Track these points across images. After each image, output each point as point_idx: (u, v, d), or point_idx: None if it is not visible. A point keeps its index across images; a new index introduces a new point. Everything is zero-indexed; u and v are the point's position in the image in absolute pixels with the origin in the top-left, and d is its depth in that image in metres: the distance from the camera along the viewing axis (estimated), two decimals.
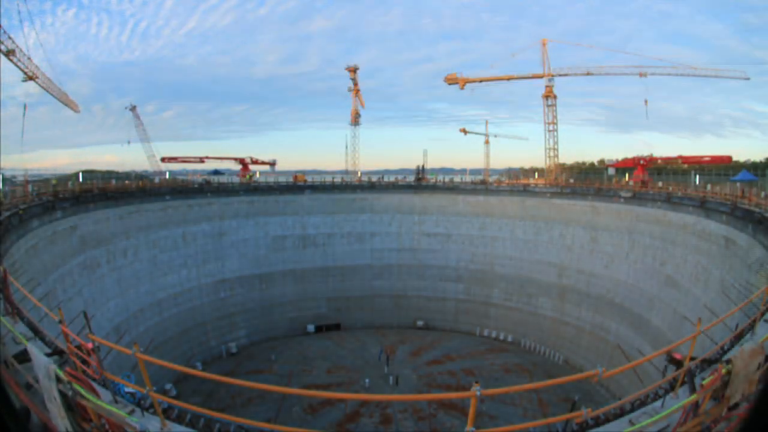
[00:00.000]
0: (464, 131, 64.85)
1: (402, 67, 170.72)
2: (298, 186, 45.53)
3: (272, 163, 55.97)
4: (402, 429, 23.93)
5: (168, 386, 29.05)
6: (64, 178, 37.76)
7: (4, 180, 31.97)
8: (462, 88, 52.94)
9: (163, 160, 53.84)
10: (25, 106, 32.68)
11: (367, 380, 29.72)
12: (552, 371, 33.14)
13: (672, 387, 6.03)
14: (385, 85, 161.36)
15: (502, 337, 40.00)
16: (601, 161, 63.31)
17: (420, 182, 49.47)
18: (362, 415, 25.09)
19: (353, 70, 57.08)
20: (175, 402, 5.24)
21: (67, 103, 41.25)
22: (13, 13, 30.90)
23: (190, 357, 33.63)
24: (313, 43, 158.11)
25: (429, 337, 39.48)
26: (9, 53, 28.96)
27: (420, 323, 42.63)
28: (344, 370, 32.05)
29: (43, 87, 35.40)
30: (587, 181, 44.88)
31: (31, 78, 30.56)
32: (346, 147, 60.59)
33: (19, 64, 30.01)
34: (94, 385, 5.04)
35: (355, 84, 57.20)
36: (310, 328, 41.27)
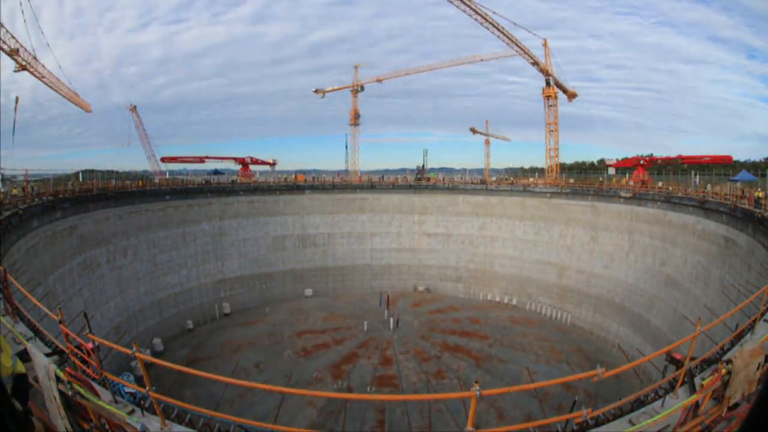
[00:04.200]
0: (474, 131, 64.96)
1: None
2: (298, 186, 45.52)
3: (272, 163, 56.03)
4: (403, 371, 22.53)
5: (156, 340, 29.47)
6: (64, 178, 37.76)
7: (3, 180, 31.95)
8: None
9: (163, 159, 53.98)
10: (16, 99, 32.48)
11: (365, 323, 28.42)
12: (560, 326, 33.29)
13: (672, 387, 6.03)
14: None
15: (506, 300, 39.91)
16: (601, 161, 63.36)
17: (420, 182, 49.46)
18: (360, 357, 23.71)
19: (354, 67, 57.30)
20: (174, 402, 5.24)
21: (78, 103, 41.16)
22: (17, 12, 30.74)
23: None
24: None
25: (431, 295, 39.33)
26: (12, 53, 28.84)
27: (421, 288, 42.20)
28: (342, 318, 30.61)
29: (52, 87, 35.35)
30: (587, 181, 44.88)
31: (24, 68, 30.24)
32: (346, 147, 60.70)
33: (21, 62, 29.88)
34: (94, 385, 5.03)
35: (355, 83, 57.26)
36: (308, 291, 41.03)
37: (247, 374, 21.96)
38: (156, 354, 28.13)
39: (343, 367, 22.89)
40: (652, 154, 54.62)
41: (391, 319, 28.87)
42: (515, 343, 26.01)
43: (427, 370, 22.56)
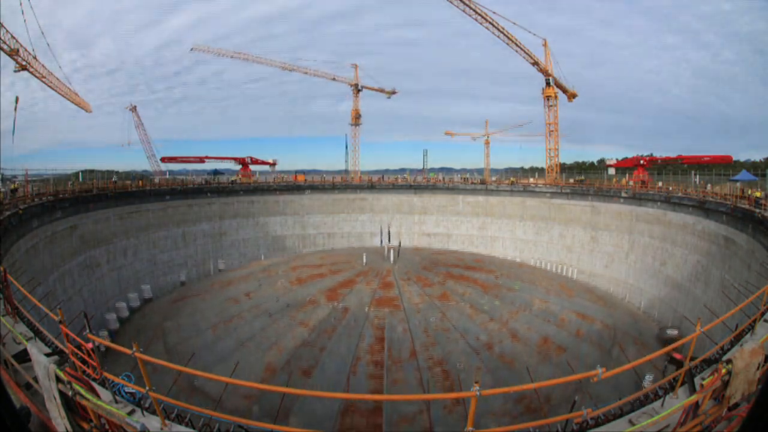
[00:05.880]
0: (451, 134, 65.45)
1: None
2: (298, 186, 45.53)
3: (272, 163, 56.01)
4: (405, 294, 20.81)
5: (145, 287, 30.80)
6: (64, 178, 37.71)
7: (3, 180, 31.95)
8: None
9: (163, 159, 53.96)
10: (16, 99, 32.46)
11: (364, 255, 26.66)
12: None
13: (672, 387, 6.03)
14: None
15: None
16: (601, 161, 63.38)
17: (420, 182, 49.46)
18: (358, 283, 22.01)
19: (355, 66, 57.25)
20: (175, 402, 5.24)
21: (78, 103, 41.12)
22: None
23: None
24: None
25: (431, 248, 38.57)
26: (12, 53, 28.82)
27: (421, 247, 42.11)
28: (339, 256, 29.18)
29: (52, 87, 35.34)
30: (587, 181, 44.90)
31: (24, 68, 30.19)
32: (346, 147, 60.71)
33: (21, 62, 29.86)
34: (94, 385, 5.03)
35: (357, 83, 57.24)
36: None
37: (236, 302, 20.98)
38: (145, 301, 29.78)
39: (339, 290, 20.88)
40: (652, 154, 54.64)
41: (392, 252, 26.94)
42: (523, 278, 24.49)
43: (431, 293, 20.73)
